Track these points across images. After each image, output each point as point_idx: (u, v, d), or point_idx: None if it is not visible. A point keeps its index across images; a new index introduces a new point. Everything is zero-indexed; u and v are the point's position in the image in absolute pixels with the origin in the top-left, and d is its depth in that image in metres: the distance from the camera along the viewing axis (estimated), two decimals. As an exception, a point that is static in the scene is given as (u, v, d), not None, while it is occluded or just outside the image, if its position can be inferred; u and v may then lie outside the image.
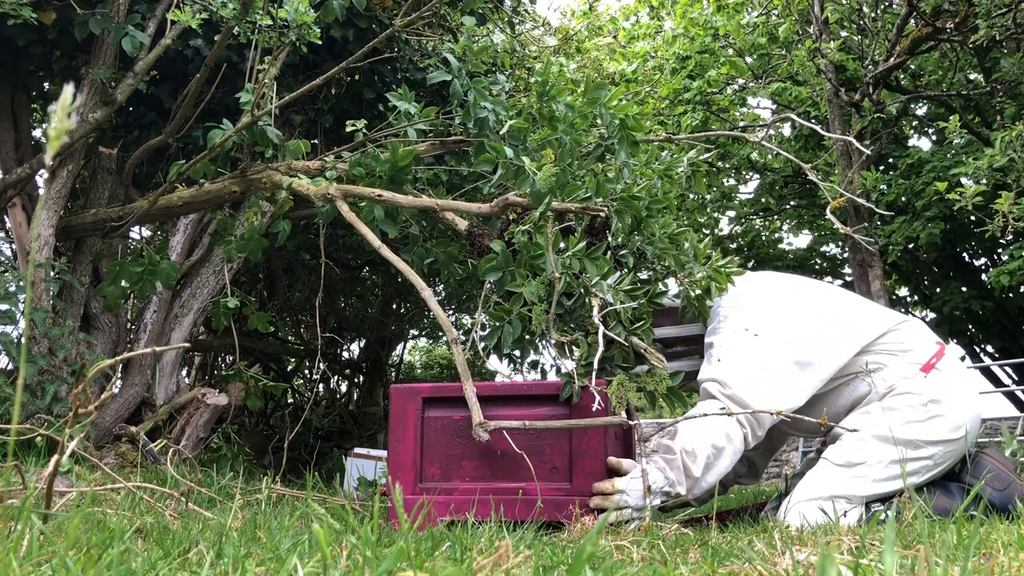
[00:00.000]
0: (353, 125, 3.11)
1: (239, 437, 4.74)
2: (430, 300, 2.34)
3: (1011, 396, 11.14)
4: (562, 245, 2.29)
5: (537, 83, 2.77)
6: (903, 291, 12.79)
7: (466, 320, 6.12)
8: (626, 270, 2.38)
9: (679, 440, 2.20)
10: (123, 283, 3.43)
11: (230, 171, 3.41)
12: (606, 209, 2.36)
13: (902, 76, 10.07)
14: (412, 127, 3.11)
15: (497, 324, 2.29)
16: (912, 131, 11.75)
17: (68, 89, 0.72)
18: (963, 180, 7.40)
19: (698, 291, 2.40)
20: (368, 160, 2.98)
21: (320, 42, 3.26)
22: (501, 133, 2.92)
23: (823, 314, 2.43)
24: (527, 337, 2.31)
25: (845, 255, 12.22)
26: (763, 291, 2.52)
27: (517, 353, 2.57)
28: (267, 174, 3.25)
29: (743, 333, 2.35)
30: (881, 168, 10.76)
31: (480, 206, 2.61)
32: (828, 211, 3.07)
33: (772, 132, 11.21)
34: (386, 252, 2.53)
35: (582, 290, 2.25)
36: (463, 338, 2.70)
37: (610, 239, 2.40)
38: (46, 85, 4.72)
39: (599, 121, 2.70)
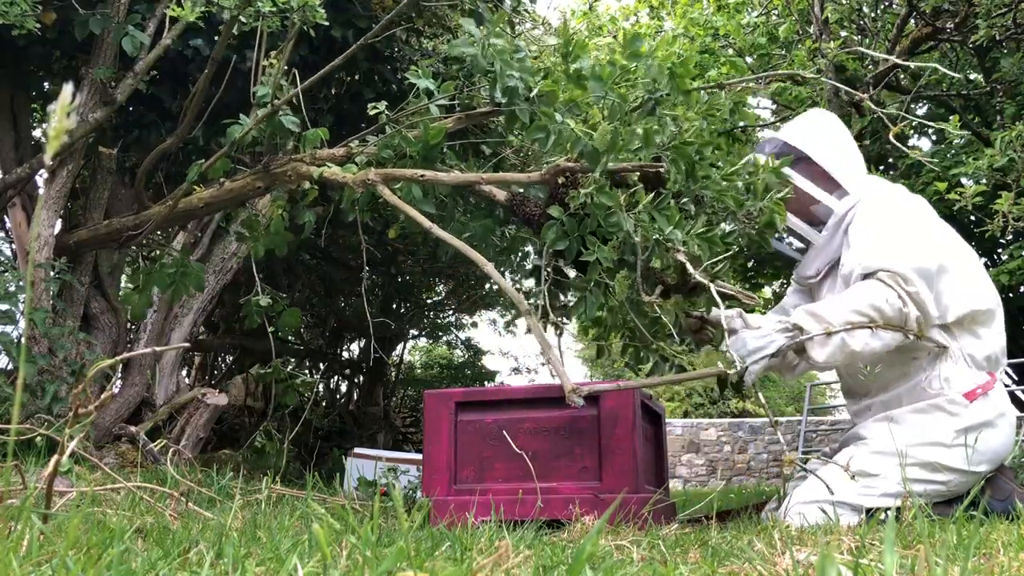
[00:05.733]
0: (375, 108, 3.04)
1: (263, 438, 4.74)
2: (494, 273, 2.29)
3: (1011, 396, 11.12)
4: (622, 202, 2.20)
5: (560, 44, 2.69)
6: (903, 291, 12.76)
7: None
8: (690, 218, 2.29)
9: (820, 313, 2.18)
10: (155, 288, 3.34)
11: (238, 168, 3.36)
12: (663, 164, 2.28)
13: (902, 76, 10.06)
14: (434, 104, 3.04)
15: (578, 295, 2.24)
16: (912, 131, 11.73)
17: (68, 89, 0.72)
18: (963, 180, 7.38)
19: (758, 226, 2.32)
20: (396, 141, 2.91)
21: (319, 33, 3.19)
22: (530, 97, 2.82)
23: (961, 253, 2.42)
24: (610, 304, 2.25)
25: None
26: (911, 202, 2.54)
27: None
28: (292, 166, 3.12)
29: (903, 235, 2.33)
30: (881, 168, 10.75)
31: (530, 176, 2.53)
32: (891, 135, 3.08)
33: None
34: (438, 232, 2.45)
35: (653, 244, 2.16)
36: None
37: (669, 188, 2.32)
38: (46, 85, 4.71)
39: (643, 74, 2.59)
